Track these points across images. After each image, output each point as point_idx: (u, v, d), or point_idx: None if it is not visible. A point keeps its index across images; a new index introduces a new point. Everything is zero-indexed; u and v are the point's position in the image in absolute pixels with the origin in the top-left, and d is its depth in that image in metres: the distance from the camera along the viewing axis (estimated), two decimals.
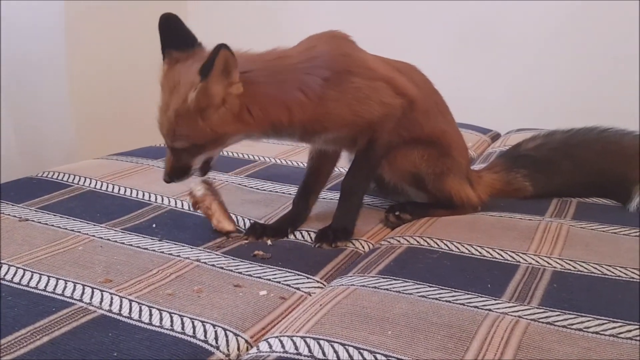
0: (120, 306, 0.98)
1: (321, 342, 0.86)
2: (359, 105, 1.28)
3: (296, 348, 0.86)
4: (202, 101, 1.14)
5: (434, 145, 1.43)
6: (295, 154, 1.97)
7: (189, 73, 1.15)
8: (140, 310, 0.97)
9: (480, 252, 1.20)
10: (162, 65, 1.21)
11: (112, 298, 1.00)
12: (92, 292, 1.02)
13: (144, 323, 0.94)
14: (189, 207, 1.39)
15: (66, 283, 1.04)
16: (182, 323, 0.94)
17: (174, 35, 1.22)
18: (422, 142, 1.42)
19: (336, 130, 1.30)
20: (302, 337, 0.88)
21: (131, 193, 1.54)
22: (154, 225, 1.34)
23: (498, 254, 1.19)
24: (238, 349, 0.91)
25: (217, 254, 1.20)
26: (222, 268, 1.14)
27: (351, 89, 1.27)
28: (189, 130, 1.17)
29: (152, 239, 1.26)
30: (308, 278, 1.13)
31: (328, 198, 1.56)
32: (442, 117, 1.50)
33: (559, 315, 0.94)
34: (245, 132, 1.24)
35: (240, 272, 1.13)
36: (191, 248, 1.22)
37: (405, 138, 1.39)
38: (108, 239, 1.25)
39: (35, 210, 1.39)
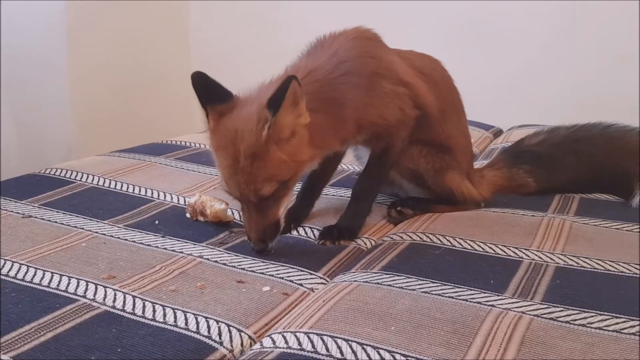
0: (124, 302, 0.98)
1: (324, 337, 0.86)
2: (385, 109, 1.30)
3: (299, 344, 0.86)
4: (275, 134, 1.09)
5: (435, 145, 1.44)
6: None
7: (250, 115, 1.10)
8: (144, 306, 0.97)
9: (483, 248, 1.20)
10: (209, 124, 1.15)
11: (115, 294, 1.00)
12: (96, 288, 1.02)
13: (148, 319, 0.94)
14: (190, 217, 1.38)
15: (70, 279, 1.04)
16: (186, 319, 0.94)
17: (209, 90, 1.16)
18: (423, 141, 1.42)
19: (365, 133, 1.31)
20: (305, 333, 0.88)
21: (134, 190, 1.54)
22: (156, 222, 1.34)
23: (501, 249, 1.19)
24: (241, 344, 0.91)
25: (220, 250, 1.20)
26: (225, 264, 1.14)
27: (380, 93, 1.29)
28: (273, 166, 1.11)
29: (155, 236, 1.26)
30: (311, 274, 1.13)
31: (330, 194, 1.56)
32: (455, 118, 1.50)
33: (562, 310, 0.94)
34: (317, 157, 1.21)
35: (243, 268, 1.13)
36: (194, 244, 1.22)
37: (410, 139, 1.40)
38: (111, 236, 1.25)
39: (38, 207, 1.39)
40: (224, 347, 0.89)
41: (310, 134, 1.15)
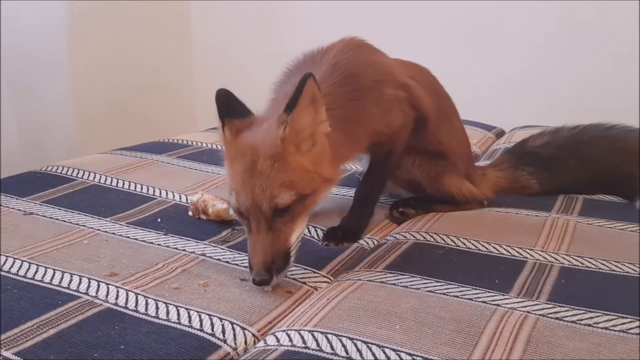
0: (126, 299, 0.97)
1: (329, 336, 0.86)
2: (391, 115, 1.30)
3: (304, 342, 0.85)
4: (292, 134, 1.03)
5: (427, 152, 1.43)
6: None
7: (271, 124, 1.06)
8: (147, 304, 0.96)
9: (487, 248, 1.20)
10: (224, 135, 1.09)
11: (117, 291, 1.00)
12: (98, 285, 1.01)
13: (151, 316, 0.93)
14: (192, 216, 1.37)
15: (72, 276, 1.04)
16: (189, 316, 0.93)
17: (230, 106, 1.11)
18: (415, 150, 1.42)
19: (372, 141, 1.31)
20: (309, 331, 0.87)
21: (135, 187, 1.54)
22: (159, 220, 1.33)
23: (505, 249, 1.19)
24: (245, 342, 0.91)
25: (222, 248, 1.20)
26: (227, 262, 1.14)
27: (385, 101, 1.29)
28: (293, 171, 1.03)
29: (157, 233, 1.25)
30: (315, 272, 1.13)
31: (332, 194, 1.55)
32: (447, 124, 1.49)
33: (567, 310, 0.94)
34: (338, 175, 1.15)
35: (246, 266, 1.12)
36: (196, 242, 1.22)
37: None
38: (113, 233, 1.24)
39: (40, 204, 1.38)
40: (227, 344, 0.89)
41: (331, 151, 1.12)
